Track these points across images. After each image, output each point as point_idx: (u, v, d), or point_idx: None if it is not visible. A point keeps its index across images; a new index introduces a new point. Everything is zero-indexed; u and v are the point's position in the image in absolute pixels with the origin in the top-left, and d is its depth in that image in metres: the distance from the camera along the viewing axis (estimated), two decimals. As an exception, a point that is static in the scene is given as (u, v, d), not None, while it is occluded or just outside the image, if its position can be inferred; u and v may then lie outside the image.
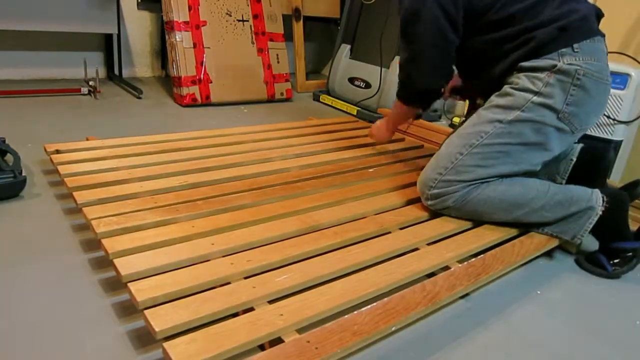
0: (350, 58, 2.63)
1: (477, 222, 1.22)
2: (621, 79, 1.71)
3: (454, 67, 1.29)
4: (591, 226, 1.12)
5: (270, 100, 2.56)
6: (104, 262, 1.01)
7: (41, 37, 2.44)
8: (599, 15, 1.20)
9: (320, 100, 2.70)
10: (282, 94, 2.59)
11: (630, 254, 1.14)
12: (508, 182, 1.17)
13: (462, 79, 1.39)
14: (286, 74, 2.62)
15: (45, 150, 1.40)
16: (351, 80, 2.58)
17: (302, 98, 2.77)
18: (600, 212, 1.12)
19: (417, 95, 1.30)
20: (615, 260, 1.15)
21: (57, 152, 1.39)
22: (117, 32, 2.52)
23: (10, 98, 2.12)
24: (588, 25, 1.14)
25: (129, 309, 0.89)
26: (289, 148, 1.62)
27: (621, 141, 1.76)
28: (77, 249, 1.06)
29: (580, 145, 1.35)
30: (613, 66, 1.73)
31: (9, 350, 0.77)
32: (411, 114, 1.44)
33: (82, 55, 2.51)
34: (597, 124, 1.76)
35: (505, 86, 1.16)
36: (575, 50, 1.10)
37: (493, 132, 1.13)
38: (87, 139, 1.55)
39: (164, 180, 1.28)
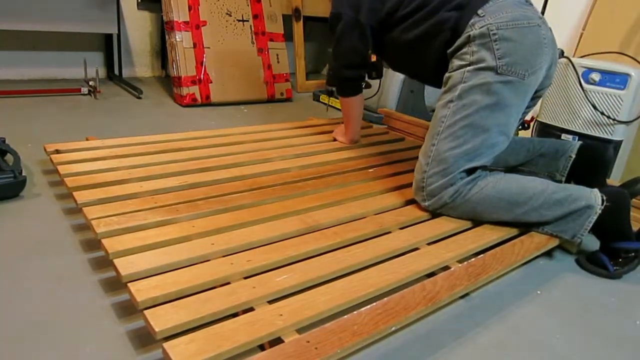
0: (350, 58, 2.62)
1: (477, 222, 1.22)
2: (621, 79, 1.71)
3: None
4: (591, 225, 1.12)
5: (270, 100, 2.56)
6: (104, 262, 1.01)
7: (41, 37, 2.44)
8: None
9: (320, 100, 2.70)
10: (282, 94, 2.59)
11: (632, 254, 1.14)
12: (506, 180, 1.17)
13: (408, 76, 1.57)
14: (286, 74, 2.62)
15: (45, 150, 1.40)
16: (351, 80, 2.57)
17: (302, 98, 2.77)
18: (600, 211, 1.11)
19: (342, 83, 1.56)
20: (617, 260, 1.14)
21: (57, 152, 1.39)
22: (117, 32, 2.53)
23: (10, 98, 2.12)
24: None
25: (129, 309, 0.89)
26: (289, 148, 1.62)
27: (621, 141, 1.77)
28: (77, 249, 1.06)
29: (579, 142, 1.35)
30: (613, 66, 1.74)
31: (9, 350, 0.77)
32: (356, 106, 1.63)
33: (82, 55, 2.51)
34: (597, 124, 1.76)
35: (445, 75, 1.23)
36: (481, 15, 1.16)
37: (450, 112, 1.19)
38: (87, 139, 1.55)
39: (164, 180, 1.28)
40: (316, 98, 2.73)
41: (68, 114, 2.00)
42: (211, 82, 2.35)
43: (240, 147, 1.59)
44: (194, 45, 2.32)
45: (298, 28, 2.89)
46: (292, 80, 2.74)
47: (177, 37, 2.28)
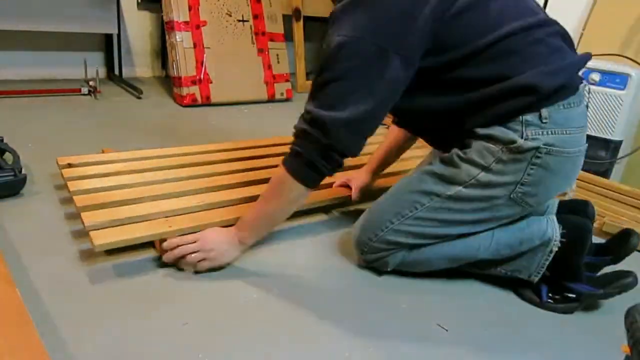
0: (350, 58, 2.62)
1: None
2: (621, 79, 1.71)
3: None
4: (547, 263, 0.99)
5: (271, 100, 2.56)
6: (103, 263, 1.01)
7: (41, 37, 2.44)
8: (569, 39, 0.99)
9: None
10: (282, 94, 2.59)
11: (573, 295, 1.00)
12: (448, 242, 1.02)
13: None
14: (286, 74, 2.62)
15: (58, 163, 1.30)
16: (351, 80, 2.57)
17: (302, 98, 2.74)
18: (556, 249, 0.98)
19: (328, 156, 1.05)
20: (555, 296, 1.01)
21: (69, 165, 1.28)
22: (117, 32, 2.53)
23: (10, 98, 2.12)
24: (569, 81, 0.92)
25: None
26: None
27: (621, 141, 1.77)
28: (77, 248, 1.06)
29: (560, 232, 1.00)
30: (613, 66, 1.74)
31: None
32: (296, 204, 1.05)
33: (82, 55, 2.51)
34: (597, 124, 1.76)
35: (453, 150, 0.97)
36: (544, 120, 0.89)
37: (429, 206, 0.97)
38: (103, 151, 1.44)
39: (179, 200, 1.16)
40: (316, 98, 2.73)
41: (68, 114, 2.00)
42: (211, 82, 2.35)
43: (264, 162, 1.46)
44: (194, 45, 2.32)
45: (298, 28, 2.89)
46: (292, 81, 2.75)
47: (177, 37, 2.28)
